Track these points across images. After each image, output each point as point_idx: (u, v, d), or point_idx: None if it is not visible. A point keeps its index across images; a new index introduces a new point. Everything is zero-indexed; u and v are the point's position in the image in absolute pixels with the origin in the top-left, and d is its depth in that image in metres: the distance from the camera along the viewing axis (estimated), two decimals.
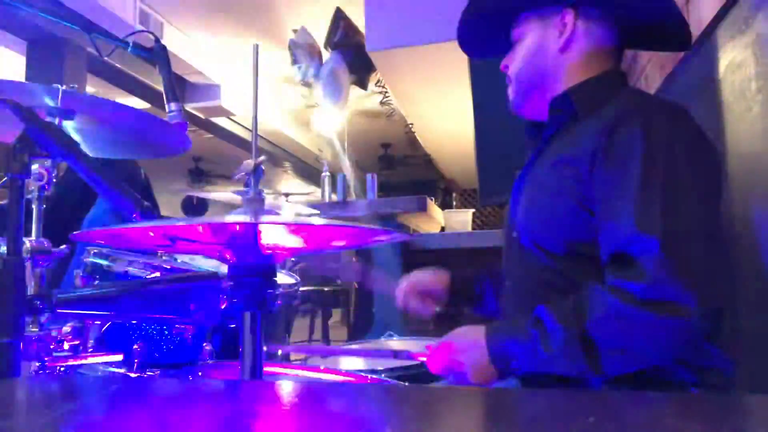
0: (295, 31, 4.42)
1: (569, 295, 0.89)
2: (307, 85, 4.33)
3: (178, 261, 1.35)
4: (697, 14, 1.38)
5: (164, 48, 1.28)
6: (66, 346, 1.13)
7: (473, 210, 4.37)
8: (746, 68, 1.13)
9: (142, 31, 1.31)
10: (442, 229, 3.95)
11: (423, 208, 3.16)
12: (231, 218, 0.69)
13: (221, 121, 6.76)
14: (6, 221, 0.81)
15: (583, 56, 1.04)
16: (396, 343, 1.78)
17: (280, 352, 1.70)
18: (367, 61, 3.78)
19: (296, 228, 0.77)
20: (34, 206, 1.11)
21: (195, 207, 9.85)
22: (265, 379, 0.87)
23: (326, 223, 0.79)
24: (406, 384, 1.27)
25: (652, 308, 0.79)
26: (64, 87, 1.02)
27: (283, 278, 1.88)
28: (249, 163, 0.76)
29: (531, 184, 1.07)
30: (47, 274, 1.08)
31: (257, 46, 0.81)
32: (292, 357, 1.92)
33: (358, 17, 3.66)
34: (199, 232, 0.75)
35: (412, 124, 5.57)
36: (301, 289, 2.15)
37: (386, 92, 5.08)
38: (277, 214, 0.75)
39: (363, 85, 4.29)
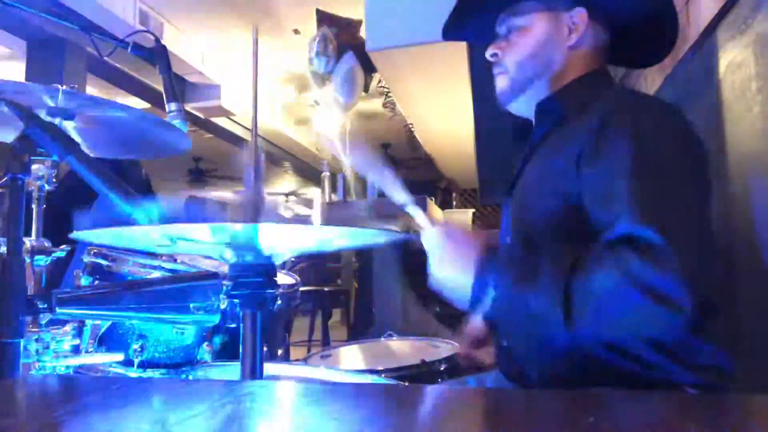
0: (295, 31, 4.41)
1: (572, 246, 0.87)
2: (318, 78, 4.29)
3: (178, 261, 1.35)
4: (697, 14, 1.38)
5: (164, 48, 1.28)
6: (66, 346, 1.13)
7: (473, 210, 4.37)
8: (746, 68, 1.13)
9: (142, 30, 1.30)
10: None
11: (423, 208, 3.16)
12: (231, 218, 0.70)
13: (221, 121, 6.77)
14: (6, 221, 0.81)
15: (585, 55, 1.04)
16: (396, 343, 1.78)
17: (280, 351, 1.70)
18: (368, 61, 3.77)
19: (296, 228, 0.77)
20: (34, 206, 1.11)
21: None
22: (265, 379, 0.86)
23: (326, 224, 0.79)
24: (406, 384, 1.27)
25: (644, 290, 0.77)
26: (64, 87, 1.02)
27: (283, 278, 1.88)
28: (249, 163, 0.76)
29: (521, 191, 1.06)
30: (47, 274, 1.08)
31: (256, 28, 0.81)
32: (292, 357, 1.92)
33: (358, 17, 3.66)
34: (199, 232, 0.75)
35: (411, 124, 5.57)
36: (301, 289, 2.15)
37: (388, 92, 5.07)
38: (277, 214, 0.75)
39: (366, 87, 4.28)
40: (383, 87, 4.80)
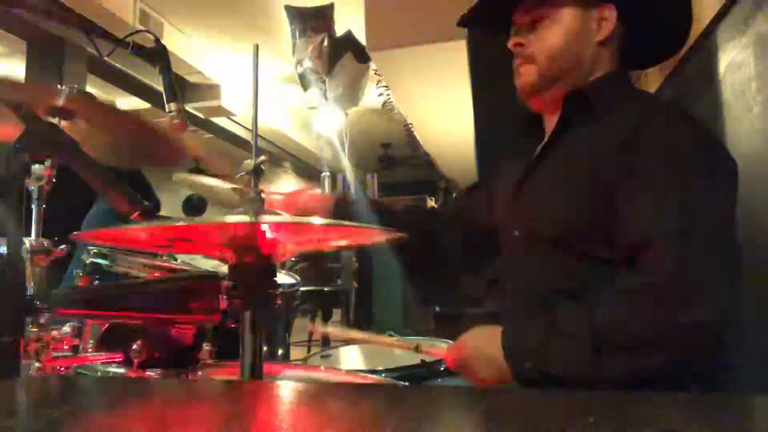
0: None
1: (580, 298, 0.89)
2: (306, 81, 4.29)
3: (178, 261, 1.35)
4: (697, 14, 1.38)
5: (164, 48, 1.27)
6: (66, 346, 1.13)
7: None
8: (746, 68, 1.13)
9: (142, 31, 1.30)
10: None
11: (423, 208, 3.17)
12: (231, 218, 0.69)
13: (221, 121, 6.76)
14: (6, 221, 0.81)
15: (611, 52, 1.04)
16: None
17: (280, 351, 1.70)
18: (355, 45, 3.73)
19: (296, 228, 0.77)
20: (34, 206, 1.11)
21: (195, 207, 9.86)
22: (265, 379, 0.86)
23: (326, 223, 0.79)
24: (406, 384, 1.27)
25: (666, 308, 0.80)
26: (64, 87, 1.02)
27: (283, 278, 1.88)
28: (249, 163, 0.76)
29: (541, 182, 1.05)
30: (47, 274, 1.08)
31: (257, 46, 0.81)
32: (292, 357, 1.92)
33: (358, 17, 3.66)
34: (199, 232, 0.75)
35: (411, 124, 5.56)
36: (301, 289, 2.15)
37: (388, 93, 5.07)
38: (278, 214, 0.75)
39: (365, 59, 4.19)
40: (383, 86, 4.80)
